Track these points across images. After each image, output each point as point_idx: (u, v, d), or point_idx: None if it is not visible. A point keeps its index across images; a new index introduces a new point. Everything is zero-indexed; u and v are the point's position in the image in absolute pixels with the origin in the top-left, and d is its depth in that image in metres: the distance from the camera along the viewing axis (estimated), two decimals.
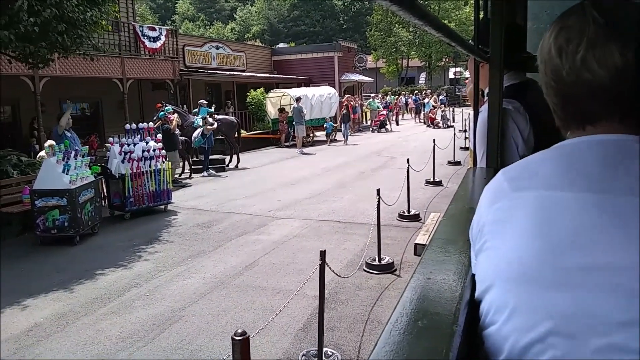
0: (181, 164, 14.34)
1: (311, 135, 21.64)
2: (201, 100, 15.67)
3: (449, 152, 14.99)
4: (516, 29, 2.24)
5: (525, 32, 2.39)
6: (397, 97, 33.65)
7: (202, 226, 9.00)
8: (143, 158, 9.79)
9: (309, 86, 26.62)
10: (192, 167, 14.73)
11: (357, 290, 6.00)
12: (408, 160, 9.24)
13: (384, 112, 26.92)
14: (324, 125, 20.26)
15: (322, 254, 4.30)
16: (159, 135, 10.58)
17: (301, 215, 9.48)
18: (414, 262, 6.89)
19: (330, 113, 23.21)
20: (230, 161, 15.86)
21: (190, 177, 14.24)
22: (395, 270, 6.64)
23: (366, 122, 28.89)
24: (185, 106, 19.61)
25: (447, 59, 51.37)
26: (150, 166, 9.89)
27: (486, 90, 2.04)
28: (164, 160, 10.19)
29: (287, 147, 20.55)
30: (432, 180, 11.86)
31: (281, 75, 27.46)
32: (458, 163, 14.71)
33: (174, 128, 13.12)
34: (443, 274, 1.00)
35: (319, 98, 22.16)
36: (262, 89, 22.49)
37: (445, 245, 1.16)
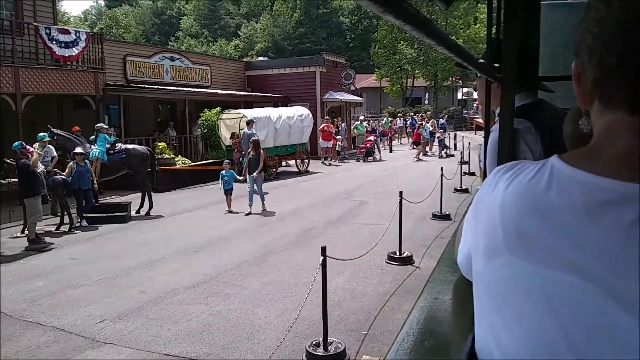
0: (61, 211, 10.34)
1: (273, 168, 17.56)
2: (99, 124, 11.66)
3: (436, 198, 10.76)
4: (529, 50, 2.19)
5: (538, 54, 2.26)
6: (391, 119, 29.51)
7: None
8: None
9: (286, 105, 22.63)
10: (84, 215, 10.69)
11: None
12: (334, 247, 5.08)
13: (372, 137, 22.75)
14: (221, 177, 11.75)
15: None
16: None
17: (142, 336, 5.33)
18: None
19: (303, 139, 19.11)
20: (141, 206, 11.79)
21: (70, 231, 10.20)
22: None
23: (353, 148, 24.77)
24: (113, 129, 15.70)
25: (454, 78, 47.46)
26: None
27: (497, 111, 1.91)
28: None
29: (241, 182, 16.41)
30: (397, 255, 7.67)
31: (252, 93, 23.46)
32: (447, 217, 10.47)
33: (35, 163, 9.13)
34: (451, 293, 1.03)
35: (287, 121, 18.07)
36: (218, 108, 18.49)
37: (453, 264, 1.07)
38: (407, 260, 7.55)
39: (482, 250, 0.72)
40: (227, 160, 12.29)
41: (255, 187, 11.58)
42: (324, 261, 4.67)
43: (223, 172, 11.76)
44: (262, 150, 11.79)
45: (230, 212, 11.67)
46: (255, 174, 11.37)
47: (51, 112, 15.87)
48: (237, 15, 75.96)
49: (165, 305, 6.18)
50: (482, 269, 0.73)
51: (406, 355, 0.82)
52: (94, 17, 71.16)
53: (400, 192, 7.79)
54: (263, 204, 11.71)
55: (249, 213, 11.40)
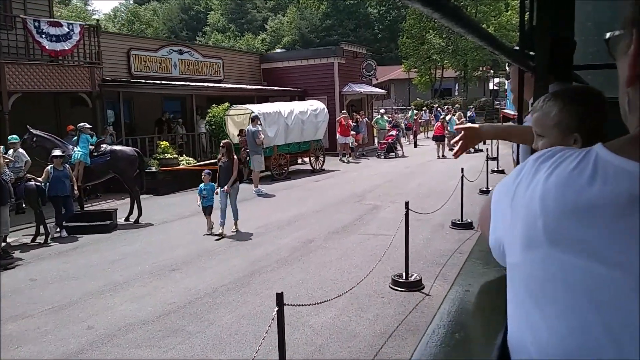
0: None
1: (285, 167, 16.38)
2: (82, 124, 10.60)
3: (458, 201, 9.37)
4: (563, 38, 2.13)
5: (573, 42, 2.20)
6: (417, 112, 27.94)
7: None
8: None
9: (303, 99, 21.38)
10: (63, 224, 9.70)
11: None
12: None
13: (393, 132, 21.30)
14: (199, 192, 9.51)
15: None
16: None
17: None
18: None
19: (317, 135, 17.83)
20: (130, 213, 10.74)
21: (46, 243, 9.23)
22: None
23: (375, 144, 23.37)
24: (111, 128, 14.78)
25: (485, 68, 45.39)
26: None
27: (530, 101, 1.95)
28: None
29: (250, 182, 15.26)
30: (404, 278, 6.36)
31: (267, 87, 22.32)
32: (468, 225, 9.05)
33: (1, 168, 8.15)
34: (482, 286, 0.98)
35: (299, 116, 16.82)
36: (226, 104, 17.37)
37: (486, 256, 1.06)
38: (415, 286, 6.24)
39: (520, 241, 0.68)
40: (207, 171, 9.72)
41: (228, 201, 9.40)
42: (280, 312, 3.42)
43: (202, 185, 9.43)
44: (235, 157, 9.74)
45: (212, 234, 9.31)
46: (226, 187, 9.20)
47: (46, 110, 15.00)
48: (263, 9, 75.18)
49: (110, 349, 5.04)
50: (519, 261, 0.68)
51: (437, 347, 0.80)
52: (123, 14, 71.01)
53: (407, 203, 6.45)
54: (236, 223, 9.51)
55: (221, 236, 9.12)
